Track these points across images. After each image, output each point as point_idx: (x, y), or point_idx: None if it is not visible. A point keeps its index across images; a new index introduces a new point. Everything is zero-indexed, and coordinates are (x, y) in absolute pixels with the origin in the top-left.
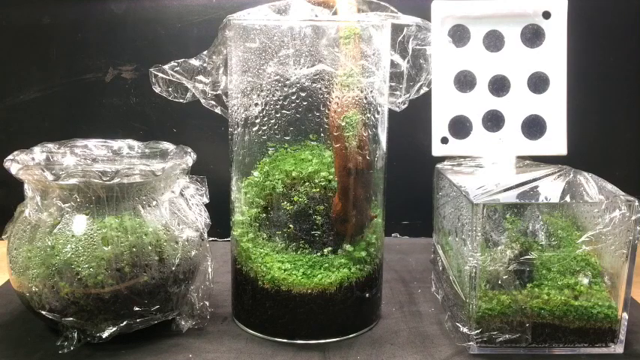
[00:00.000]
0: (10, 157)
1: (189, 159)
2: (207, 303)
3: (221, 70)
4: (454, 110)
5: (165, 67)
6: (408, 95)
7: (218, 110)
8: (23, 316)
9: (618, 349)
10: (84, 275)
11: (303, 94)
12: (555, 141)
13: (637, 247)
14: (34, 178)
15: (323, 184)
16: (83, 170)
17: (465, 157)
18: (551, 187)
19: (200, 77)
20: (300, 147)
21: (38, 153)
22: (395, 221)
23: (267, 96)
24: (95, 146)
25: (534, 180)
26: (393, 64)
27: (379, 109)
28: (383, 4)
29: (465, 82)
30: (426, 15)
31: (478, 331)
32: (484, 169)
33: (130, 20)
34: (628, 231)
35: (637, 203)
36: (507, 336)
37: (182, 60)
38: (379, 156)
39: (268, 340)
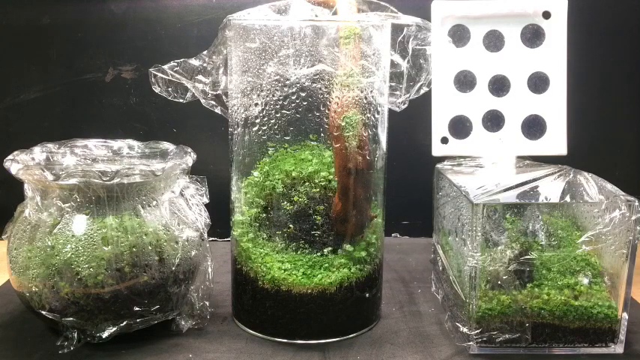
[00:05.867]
0: (10, 157)
1: (189, 159)
2: (207, 303)
3: (221, 70)
4: (454, 110)
5: (165, 67)
6: (408, 95)
7: (218, 110)
8: (23, 316)
9: (618, 349)
10: (84, 275)
11: (303, 94)
12: (555, 141)
13: (637, 247)
14: (34, 178)
15: (323, 184)
16: (83, 170)
17: (465, 157)
18: (551, 187)
19: (200, 77)
20: (300, 147)
21: (38, 153)
22: (395, 221)
23: (267, 96)
24: (95, 146)
25: (534, 180)
26: (393, 64)
27: (379, 109)
28: (383, 4)
29: (465, 82)
30: (426, 15)
31: (478, 331)
32: (484, 169)
33: (130, 20)
34: (628, 231)
35: (637, 203)
36: (507, 336)
37: (182, 60)
38: (379, 156)
39: (268, 340)
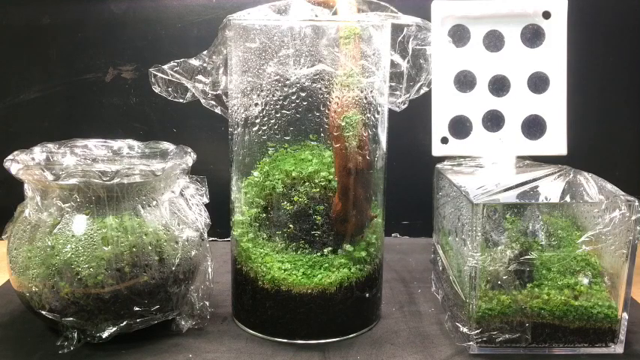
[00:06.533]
0: (10, 157)
1: (189, 159)
2: (207, 303)
3: (221, 70)
4: (454, 110)
5: (165, 67)
6: (408, 95)
7: (218, 110)
8: (23, 316)
9: (618, 349)
10: (84, 275)
11: (303, 94)
12: (555, 141)
13: (637, 247)
14: (34, 178)
15: (323, 184)
16: (83, 170)
17: (465, 157)
18: (551, 187)
19: (200, 77)
20: (300, 147)
21: (38, 153)
22: (395, 221)
23: (267, 96)
24: (95, 146)
25: (534, 180)
26: (393, 64)
27: (379, 109)
28: (383, 4)
29: (465, 82)
30: (426, 15)
31: (478, 331)
32: (484, 169)
33: (130, 20)
34: (628, 231)
35: (637, 203)
36: (507, 336)
37: (182, 60)
38: (379, 156)
39: (268, 340)
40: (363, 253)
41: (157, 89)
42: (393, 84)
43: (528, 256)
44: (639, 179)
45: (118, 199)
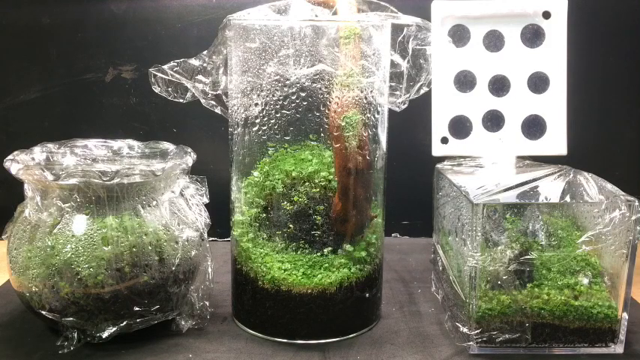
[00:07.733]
0: (10, 157)
1: (189, 159)
2: (207, 303)
3: (221, 70)
4: (454, 110)
5: (165, 67)
6: (408, 95)
7: (218, 110)
8: (23, 316)
9: (618, 349)
10: (84, 275)
11: (303, 94)
12: (555, 141)
13: (637, 247)
14: (34, 178)
15: (323, 184)
16: (83, 170)
17: (465, 157)
18: (551, 187)
19: (200, 77)
20: (300, 147)
21: (38, 153)
22: (395, 221)
23: (267, 96)
24: (95, 146)
25: (534, 180)
26: (393, 64)
27: (379, 109)
28: (383, 4)
29: (465, 82)
30: (426, 15)
31: (478, 331)
32: (484, 169)
33: (130, 20)
34: (628, 231)
35: (637, 203)
36: (507, 336)
37: (182, 60)
38: (379, 156)
39: (268, 340)
40: (363, 253)
41: (156, 89)
42: (393, 84)
43: (528, 256)
44: (639, 179)
45: (118, 199)
